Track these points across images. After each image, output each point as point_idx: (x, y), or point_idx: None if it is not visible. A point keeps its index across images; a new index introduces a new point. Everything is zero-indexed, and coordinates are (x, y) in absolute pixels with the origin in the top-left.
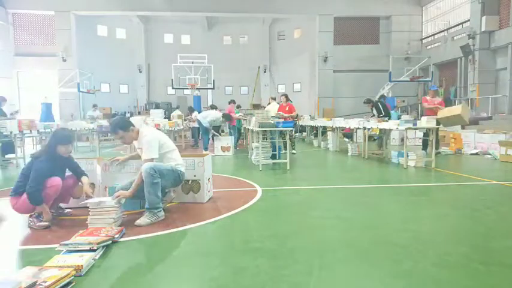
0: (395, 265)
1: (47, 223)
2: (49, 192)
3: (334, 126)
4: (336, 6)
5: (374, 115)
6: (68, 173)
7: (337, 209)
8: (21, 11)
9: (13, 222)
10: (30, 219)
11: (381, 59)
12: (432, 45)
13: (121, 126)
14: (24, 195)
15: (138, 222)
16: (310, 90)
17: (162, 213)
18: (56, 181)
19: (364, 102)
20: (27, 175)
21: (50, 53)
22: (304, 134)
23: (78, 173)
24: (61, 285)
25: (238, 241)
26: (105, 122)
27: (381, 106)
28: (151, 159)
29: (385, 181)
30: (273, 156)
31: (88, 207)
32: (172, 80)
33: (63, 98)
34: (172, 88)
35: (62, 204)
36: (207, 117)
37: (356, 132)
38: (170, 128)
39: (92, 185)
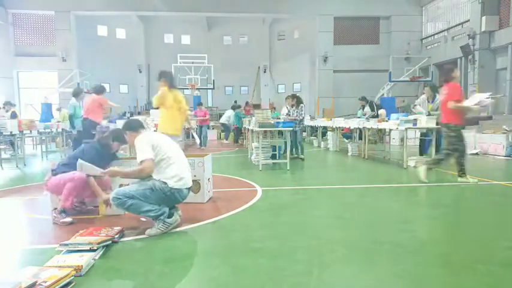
0: (396, 265)
1: (70, 219)
2: (71, 185)
3: (334, 126)
4: (336, 6)
5: (365, 114)
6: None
7: (337, 209)
8: (21, 11)
9: (13, 222)
10: (54, 215)
11: (381, 59)
12: (432, 45)
13: (128, 127)
14: (58, 176)
15: (147, 232)
16: (310, 90)
17: (174, 218)
18: (77, 174)
19: (359, 99)
20: (79, 157)
21: (50, 53)
22: (304, 134)
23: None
24: (61, 285)
25: (238, 241)
26: (104, 122)
27: (375, 106)
28: (143, 162)
29: (385, 181)
30: (273, 156)
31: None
32: None
33: (63, 98)
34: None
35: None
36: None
37: (356, 132)
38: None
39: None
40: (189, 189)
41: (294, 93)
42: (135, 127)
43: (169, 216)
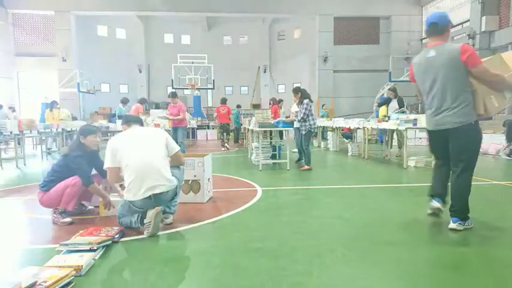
0: (395, 265)
1: (70, 219)
2: (73, 189)
3: (334, 126)
4: (336, 6)
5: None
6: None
7: (337, 209)
8: (21, 11)
9: (13, 222)
10: (55, 215)
11: (381, 59)
12: None
13: (125, 119)
14: (52, 190)
15: (147, 232)
16: (309, 90)
17: (147, 214)
18: (78, 179)
19: (390, 90)
20: (60, 171)
21: (50, 53)
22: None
23: (104, 173)
24: (61, 285)
25: (238, 241)
26: (105, 122)
27: (404, 101)
28: (106, 171)
29: (385, 181)
30: (273, 156)
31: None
32: (172, 80)
33: (63, 98)
34: (172, 88)
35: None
36: None
37: (356, 132)
38: (170, 128)
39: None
40: (150, 197)
41: (297, 87)
42: (125, 121)
43: (143, 218)
